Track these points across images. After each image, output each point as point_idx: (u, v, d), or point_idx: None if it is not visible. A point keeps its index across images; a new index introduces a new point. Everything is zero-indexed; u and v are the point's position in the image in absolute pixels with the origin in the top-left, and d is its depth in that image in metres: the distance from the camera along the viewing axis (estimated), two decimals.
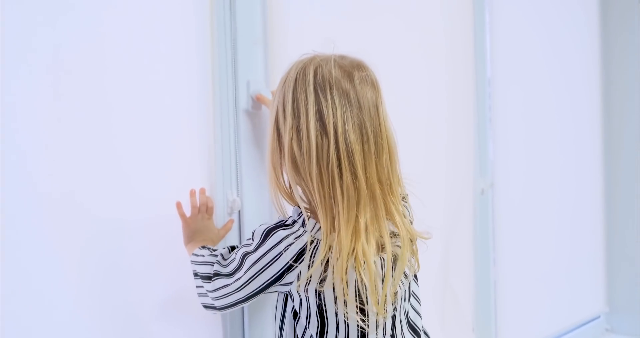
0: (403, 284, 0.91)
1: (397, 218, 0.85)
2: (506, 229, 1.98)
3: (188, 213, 1.13)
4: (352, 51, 0.88)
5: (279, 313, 0.95)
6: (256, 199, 1.22)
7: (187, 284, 1.11)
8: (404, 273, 0.90)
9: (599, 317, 2.52)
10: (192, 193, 1.14)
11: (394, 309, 0.91)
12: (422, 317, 0.99)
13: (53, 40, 0.97)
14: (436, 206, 1.70)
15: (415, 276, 0.98)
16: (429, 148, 1.69)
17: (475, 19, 1.86)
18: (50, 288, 0.99)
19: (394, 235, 0.88)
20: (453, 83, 1.76)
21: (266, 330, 1.23)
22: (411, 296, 0.98)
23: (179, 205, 1.12)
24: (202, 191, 1.15)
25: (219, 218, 1.18)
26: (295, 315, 0.92)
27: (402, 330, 0.93)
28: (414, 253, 0.89)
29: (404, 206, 0.95)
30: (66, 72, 0.99)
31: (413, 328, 0.97)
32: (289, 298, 0.93)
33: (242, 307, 1.22)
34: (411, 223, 0.96)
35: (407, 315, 0.96)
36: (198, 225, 1.13)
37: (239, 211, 1.20)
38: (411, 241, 0.88)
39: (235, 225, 1.20)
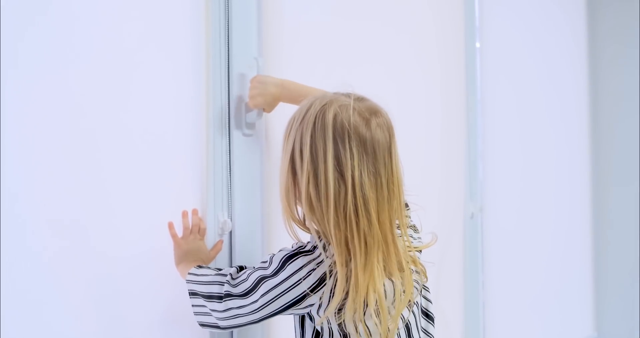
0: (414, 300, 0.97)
1: (404, 256, 0.90)
2: (495, 253, 2.01)
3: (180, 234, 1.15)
4: (370, 93, 0.91)
5: (298, 334, 0.98)
6: (248, 221, 1.24)
7: (175, 301, 1.12)
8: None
9: None
10: (185, 214, 1.16)
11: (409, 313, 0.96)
12: (431, 302, 1.04)
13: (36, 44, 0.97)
14: (428, 229, 1.72)
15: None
16: (424, 171, 1.72)
17: (467, 43, 1.90)
18: (44, 307, 0.99)
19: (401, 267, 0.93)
20: (447, 105, 1.80)
21: None
22: (422, 301, 1.02)
23: (170, 225, 1.14)
24: (195, 212, 1.17)
25: (210, 239, 1.20)
26: (318, 335, 0.94)
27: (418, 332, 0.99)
28: (420, 272, 0.95)
29: (408, 216, 1.01)
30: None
31: (426, 314, 1.02)
32: (306, 319, 0.95)
33: None
34: (417, 230, 1.02)
35: (420, 306, 1.01)
36: (190, 245, 1.15)
37: (230, 232, 1.22)
38: (415, 261, 0.94)
39: (226, 246, 1.22)
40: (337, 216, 0.85)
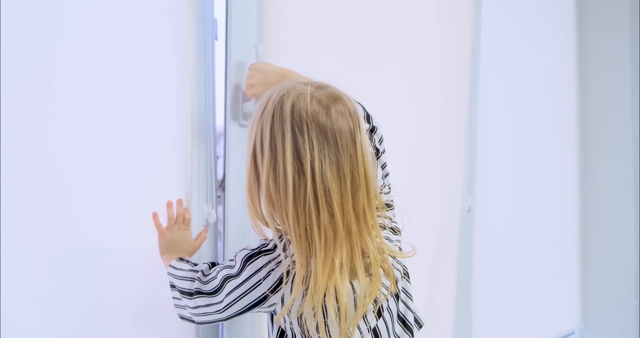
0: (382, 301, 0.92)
1: (372, 252, 0.86)
2: (484, 246, 2.02)
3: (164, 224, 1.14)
4: (331, 79, 0.87)
5: (269, 331, 0.96)
6: (241, 211, 1.23)
7: (161, 292, 1.12)
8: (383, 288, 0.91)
9: (573, 333, 2.55)
10: (169, 204, 1.15)
11: (379, 318, 0.92)
12: (413, 311, 1.00)
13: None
14: (428, 224, 1.73)
15: (406, 273, 0.99)
16: (428, 163, 1.71)
17: (475, 32, 1.89)
18: (22, 297, 0.99)
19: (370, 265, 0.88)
20: (449, 96, 1.78)
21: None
22: (401, 294, 0.98)
23: (155, 215, 1.13)
24: (179, 202, 1.17)
25: (195, 230, 1.19)
26: (283, 333, 0.93)
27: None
28: (387, 274, 0.89)
29: (389, 217, 0.96)
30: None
31: (403, 321, 0.99)
32: (274, 317, 0.94)
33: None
34: (397, 232, 0.97)
35: (397, 312, 0.97)
36: (174, 235, 1.14)
37: (223, 222, 1.22)
38: (386, 263, 0.89)
39: (211, 236, 1.22)
40: (297, 210, 0.81)
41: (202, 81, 1.20)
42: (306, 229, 0.82)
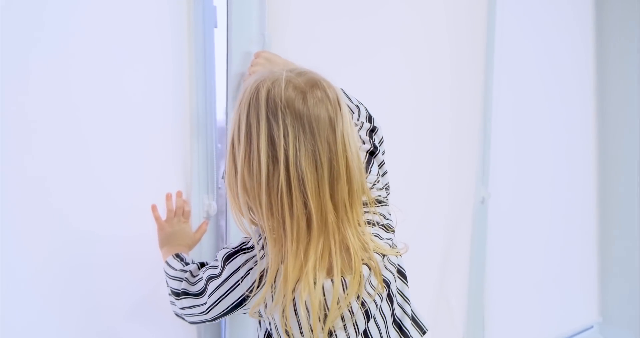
0: (373, 301, 0.88)
1: (353, 244, 0.81)
2: (498, 238, 1.96)
3: (164, 217, 1.12)
4: (314, 65, 0.84)
5: (258, 333, 0.94)
6: None
7: (163, 285, 1.10)
8: (370, 291, 0.86)
9: (591, 327, 2.50)
10: (168, 197, 1.13)
11: (368, 321, 0.88)
12: (413, 316, 0.96)
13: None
14: (438, 216, 1.68)
15: (404, 275, 0.95)
16: (433, 155, 1.66)
17: (488, 17, 1.83)
18: (18, 289, 0.97)
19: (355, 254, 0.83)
20: (458, 86, 1.72)
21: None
22: (397, 297, 0.94)
23: (154, 208, 1.11)
24: (179, 194, 1.14)
25: (195, 223, 1.17)
26: (270, 335, 0.90)
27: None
28: (375, 274, 0.85)
29: (382, 214, 0.91)
30: (33, 75, 0.97)
31: (399, 326, 0.95)
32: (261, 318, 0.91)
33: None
34: (390, 230, 0.92)
35: (393, 316, 0.93)
36: (174, 228, 1.12)
37: (225, 214, 1.19)
38: (373, 261, 0.84)
39: (212, 228, 1.19)
40: (270, 199, 0.77)
41: (201, 71, 1.17)
42: (279, 220, 0.78)
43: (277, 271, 0.80)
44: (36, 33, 0.96)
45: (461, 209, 1.79)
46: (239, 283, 0.84)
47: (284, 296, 0.79)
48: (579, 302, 2.40)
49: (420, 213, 1.61)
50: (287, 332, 0.82)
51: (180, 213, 1.13)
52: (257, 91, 0.79)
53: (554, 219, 2.24)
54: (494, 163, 1.90)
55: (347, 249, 0.82)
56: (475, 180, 1.84)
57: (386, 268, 0.89)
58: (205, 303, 0.90)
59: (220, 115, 1.20)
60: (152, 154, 1.13)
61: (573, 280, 2.36)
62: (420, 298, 1.66)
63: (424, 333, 0.97)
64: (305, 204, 0.77)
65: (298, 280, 0.78)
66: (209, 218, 1.18)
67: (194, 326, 1.19)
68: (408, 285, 0.96)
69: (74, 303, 1.04)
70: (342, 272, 0.81)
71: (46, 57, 0.98)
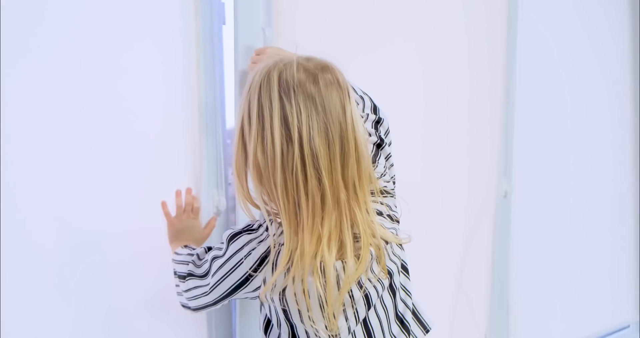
0: (375, 287, 0.88)
1: (362, 225, 0.82)
2: (524, 232, 1.91)
3: (173, 213, 1.13)
4: (320, 51, 0.85)
5: (259, 321, 0.95)
6: None
7: (172, 281, 1.11)
8: (371, 277, 0.86)
9: (628, 326, 2.41)
10: (178, 193, 1.14)
11: (369, 309, 0.88)
12: (414, 311, 0.97)
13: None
14: (457, 209, 1.65)
15: (407, 270, 0.96)
16: (450, 147, 1.63)
17: (509, 15, 1.79)
18: (34, 293, 1.00)
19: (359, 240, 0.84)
20: (477, 79, 1.68)
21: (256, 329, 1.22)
22: (400, 291, 0.95)
23: (163, 204, 1.12)
24: (189, 191, 1.15)
25: (205, 219, 1.18)
26: (269, 322, 0.91)
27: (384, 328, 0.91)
28: (379, 259, 0.86)
29: (388, 205, 0.91)
30: (39, 75, 0.99)
31: (401, 320, 0.95)
32: (263, 305, 0.92)
33: (233, 307, 1.22)
34: (394, 220, 0.92)
35: (395, 310, 0.93)
36: (183, 224, 1.13)
37: (226, 212, 1.20)
38: (378, 247, 0.85)
39: (221, 224, 1.19)
40: (285, 177, 0.79)
41: (210, 67, 1.17)
42: (294, 198, 0.79)
43: (292, 250, 0.81)
44: (38, 30, 0.98)
45: (482, 203, 1.74)
46: (242, 262, 0.85)
47: (299, 270, 0.80)
48: (613, 300, 2.32)
49: (438, 206, 1.58)
50: (287, 314, 0.83)
51: (189, 209, 1.14)
52: (268, 74, 0.81)
53: (588, 213, 2.16)
54: (517, 156, 1.85)
55: (355, 225, 0.83)
56: (498, 174, 1.79)
57: (391, 259, 0.90)
58: (208, 283, 0.91)
59: (229, 111, 1.20)
60: (161, 151, 1.14)
61: (608, 277, 2.27)
62: (439, 293, 1.65)
63: (427, 331, 0.95)
64: (320, 181, 0.79)
65: (315, 255, 0.80)
66: (218, 214, 1.19)
67: (205, 320, 1.20)
68: (410, 278, 0.96)
69: (88, 299, 1.07)
70: (350, 251, 0.82)
71: (54, 56, 1.00)
